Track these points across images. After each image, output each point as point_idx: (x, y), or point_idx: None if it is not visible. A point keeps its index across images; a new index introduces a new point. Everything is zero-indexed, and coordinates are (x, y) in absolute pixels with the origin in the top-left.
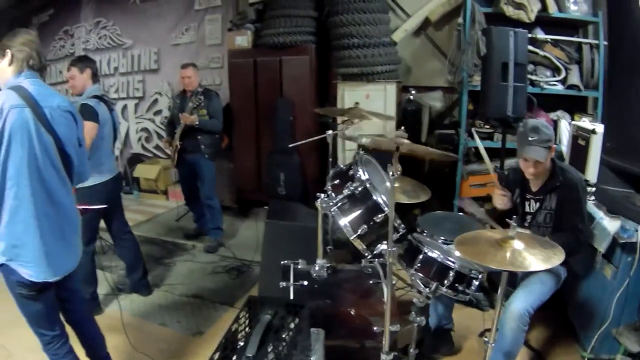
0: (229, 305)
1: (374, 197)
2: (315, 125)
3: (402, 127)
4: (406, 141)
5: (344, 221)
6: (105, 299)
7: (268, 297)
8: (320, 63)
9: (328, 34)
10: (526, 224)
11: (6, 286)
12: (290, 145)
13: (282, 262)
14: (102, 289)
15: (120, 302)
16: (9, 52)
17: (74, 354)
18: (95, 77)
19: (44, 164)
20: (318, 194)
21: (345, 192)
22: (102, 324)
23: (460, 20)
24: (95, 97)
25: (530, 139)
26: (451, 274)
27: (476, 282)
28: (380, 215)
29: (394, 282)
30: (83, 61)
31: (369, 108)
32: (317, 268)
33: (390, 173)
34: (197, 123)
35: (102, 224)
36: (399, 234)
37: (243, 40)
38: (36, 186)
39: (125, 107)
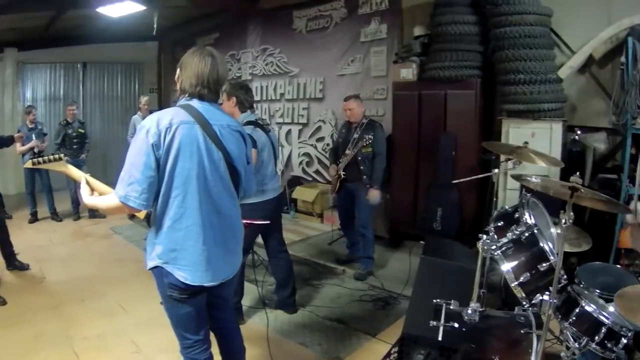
0: (371, 335)
1: (541, 244)
2: (477, 161)
3: (577, 173)
4: (582, 187)
5: (507, 267)
6: (249, 311)
7: (421, 337)
8: (485, 98)
9: (493, 68)
10: None
11: (156, 287)
12: (455, 182)
13: (434, 301)
14: (247, 301)
15: (264, 316)
16: (179, 72)
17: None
18: (242, 106)
19: (212, 177)
20: (480, 235)
21: (510, 235)
22: (242, 335)
23: (622, 59)
24: (249, 122)
25: None
26: (603, 329)
27: (624, 340)
28: (545, 264)
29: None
30: (232, 89)
31: (534, 147)
32: (469, 311)
33: (563, 220)
34: (360, 156)
35: (259, 239)
36: (559, 285)
37: (408, 72)
38: (203, 196)
39: (289, 131)
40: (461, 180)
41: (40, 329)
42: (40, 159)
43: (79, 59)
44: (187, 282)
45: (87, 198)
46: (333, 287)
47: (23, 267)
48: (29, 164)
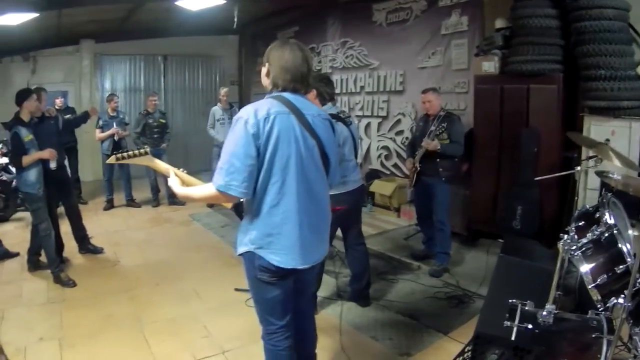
0: (443, 333)
1: (619, 245)
2: (558, 159)
3: None
4: None
5: (585, 268)
6: (323, 302)
7: (496, 336)
8: (566, 94)
9: (574, 63)
10: None
11: (245, 272)
12: (538, 179)
13: (510, 301)
14: (322, 292)
15: (338, 307)
16: (267, 66)
17: (293, 350)
18: (322, 98)
19: (308, 163)
20: (561, 234)
21: (590, 236)
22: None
23: None
24: (330, 116)
25: None
26: None
27: None
28: (621, 266)
29: (611, 339)
30: (312, 81)
31: (613, 146)
32: (544, 313)
33: None
34: (439, 148)
35: (338, 231)
36: (634, 289)
37: (490, 65)
38: (300, 182)
39: (368, 124)
40: (545, 177)
41: (111, 311)
42: (125, 154)
43: (160, 52)
44: (281, 265)
45: (179, 189)
46: (407, 282)
47: (96, 251)
48: (112, 160)
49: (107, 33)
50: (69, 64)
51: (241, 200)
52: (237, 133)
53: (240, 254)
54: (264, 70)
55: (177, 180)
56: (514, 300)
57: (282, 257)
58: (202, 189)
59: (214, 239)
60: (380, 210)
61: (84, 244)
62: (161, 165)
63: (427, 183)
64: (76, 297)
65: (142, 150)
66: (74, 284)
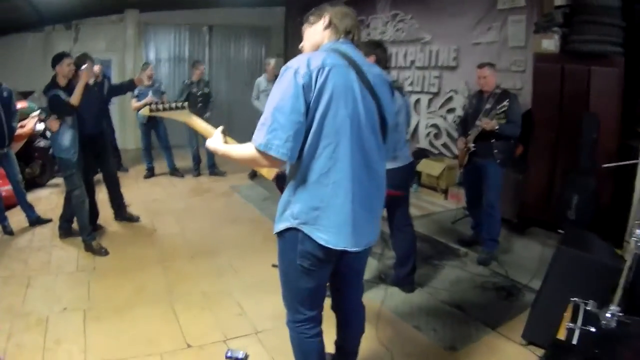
0: (491, 328)
1: None
2: (617, 146)
3: None
4: None
5: None
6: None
7: (572, 346)
8: (626, 79)
9: (635, 46)
10: None
11: (280, 253)
12: (605, 166)
13: (571, 299)
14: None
15: (380, 292)
16: (327, 17)
17: (320, 338)
18: (379, 65)
19: (366, 127)
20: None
21: None
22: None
23: None
24: None
25: None
26: None
27: None
28: None
29: None
30: (370, 46)
31: None
32: (608, 315)
33: None
34: (497, 128)
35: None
36: None
37: (550, 44)
38: (356, 148)
39: (418, 101)
40: (611, 165)
41: (142, 283)
42: (160, 106)
43: (205, 22)
44: (329, 245)
45: (221, 145)
46: (454, 269)
47: (133, 219)
48: (145, 111)
49: (151, 2)
50: (112, 33)
51: (285, 171)
52: (283, 84)
53: (279, 232)
54: (318, 25)
55: (221, 137)
56: (576, 299)
57: (331, 235)
58: (242, 148)
59: (253, 212)
60: (427, 191)
61: (121, 211)
62: (199, 123)
63: (480, 165)
64: (107, 266)
65: (178, 104)
66: (106, 253)
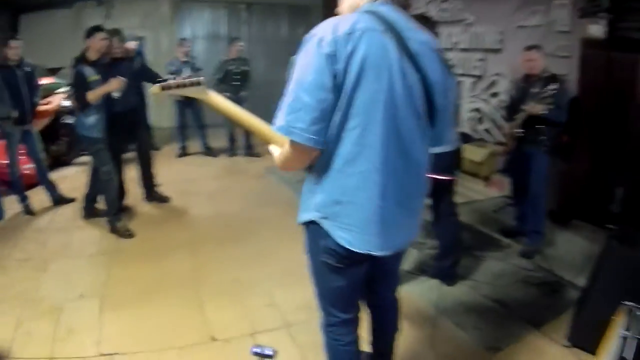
0: (535, 327)
1: None
2: None
3: None
4: None
5: None
6: (402, 276)
7: None
8: None
9: None
10: None
11: (306, 247)
12: None
13: (623, 302)
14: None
15: (419, 284)
16: None
17: (356, 345)
18: None
19: (404, 107)
20: None
21: None
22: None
23: None
24: None
25: None
26: None
27: None
28: None
29: None
30: (416, 21)
31: None
32: None
33: None
34: (545, 113)
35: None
36: None
37: (597, 29)
38: (390, 132)
39: (460, 83)
40: None
41: (168, 268)
42: (172, 82)
43: (243, 0)
44: (351, 247)
45: (274, 149)
46: (496, 261)
47: (163, 200)
48: (155, 89)
49: None
50: (146, 9)
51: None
52: (306, 55)
53: (303, 223)
54: None
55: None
56: (629, 303)
57: (353, 235)
58: (278, 145)
59: (288, 195)
60: (468, 178)
61: (151, 192)
62: (218, 100)
63: (526, 152)
64: (131, 249)
65: (193, 80)
66: (131, 235)
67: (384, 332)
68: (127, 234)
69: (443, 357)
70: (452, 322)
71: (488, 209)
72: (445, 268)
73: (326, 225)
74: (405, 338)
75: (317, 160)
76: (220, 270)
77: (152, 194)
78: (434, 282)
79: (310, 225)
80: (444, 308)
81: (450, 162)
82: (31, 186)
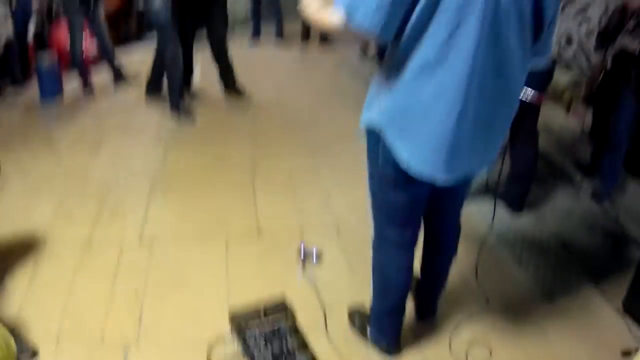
0: (594, 283)
1: None
2: None
3: None
4: None
5: None
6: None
7: None
8: None
9: None
10: None
11: (367, 151)
12: None
13: None
14: None
15: (482, 205)
16: None
17: (410, 271)
18: None
19: (507, 11)
20: None
21: None
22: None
23: None
24: None
25: None
26: None
27: None
28: None
29: None
30: None
31: None
32: None
33: None
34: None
35: None
36: None
37: None
38: (485, 40)
39: None
40: None
41: (225, 154)
42: None
43: None
44: (411, 167)
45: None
46: (565, 198)
47: (239, 92)
48: None
49: None
50: None
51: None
52: None
53: (365, 128)
54: None
55: None
56: None
57: (416, 155)
58: (325, 8)
59: (359, 92)
60: (549, 104)
61: (228, 81)
62: None
63: (613, 88)
64: (190, 134)
65: None
66: (193, 119)
67: (441, 257)
68: (189, 118)
69: (495, 291)
70: (510, 255)
71: (565, 139)
72: (515, 193)
73: (390, 135)
74: (458, 263)
75: (389, 59)
76: (278, 162)
77: (228, 83)
78: (499, 208)
79: (373, 131)
80: (505, 237)
81: (543, 82)
82: (94, 64)
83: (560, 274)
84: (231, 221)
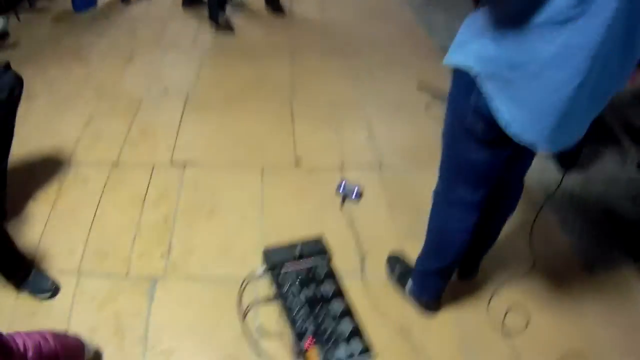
0: (632, 259)
1: None
2: None
3: None
4: None
5: None
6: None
7: None
8: None
9: None
10: None
11: (450, 96)
12: None
13: None
14: None
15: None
16: None
17: (472, 234)
18: None
19: None
20: None
21: None
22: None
23: None
24: None
25: None
26: None
27: None
28: None
29: None
30: None
31: None
32: None
33: None
34: None
35: None
36: None
37: None
38: (623, 6)
39: None
40: None
41: (263, 74)
42: None
43: None
44: (510, 129)
45: None
46: (613, 163)
47: (280, 10)
48: None
49: None
50: None
51: None
52: None
53: (454, 67)
54: None
55: None
56: None
57: (520, 117)
58: None
59: (409, 16)
60: None
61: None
62: None
63: None
64: (228, 47)
65: None
66: (232, 31)
67: (499, 215)
68: (227, 30)
69: (539, 255)
70: (557, 217)
71: (619, 101)
72: (568, 152)
73: (490, 88)
74: (510, 226)
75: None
76: (318, 87)
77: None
78: (550, 163)
79: (465, 75)
80: (552, 197)
81: None
82: None
83: (602, 245)
84: (268, 148)
